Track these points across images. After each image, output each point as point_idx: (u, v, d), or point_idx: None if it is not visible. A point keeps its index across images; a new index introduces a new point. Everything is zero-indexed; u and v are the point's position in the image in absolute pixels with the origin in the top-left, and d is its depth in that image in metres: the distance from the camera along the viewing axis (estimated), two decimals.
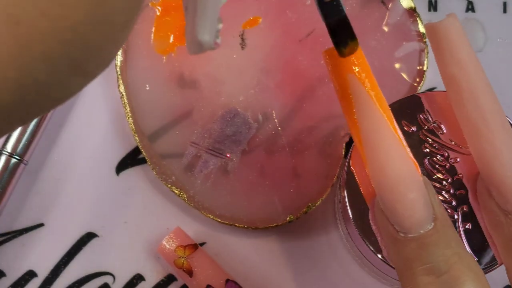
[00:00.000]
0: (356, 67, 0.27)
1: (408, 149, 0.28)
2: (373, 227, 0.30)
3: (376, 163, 0.27)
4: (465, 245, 0.31)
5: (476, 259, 0.30)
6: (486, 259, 0.31)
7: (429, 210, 0.27)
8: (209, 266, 0.37)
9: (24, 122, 0.18)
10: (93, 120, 0.40)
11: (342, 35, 0.26)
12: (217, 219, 0.37)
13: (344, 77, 0.28)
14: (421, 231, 0.27)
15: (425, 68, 0.39)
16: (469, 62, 0.28)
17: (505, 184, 0.28)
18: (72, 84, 0.17)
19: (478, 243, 0.31)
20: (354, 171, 0.31)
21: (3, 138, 0.38)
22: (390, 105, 0.29)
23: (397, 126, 0.28)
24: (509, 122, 0.30)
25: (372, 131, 0.27)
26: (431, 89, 0.40)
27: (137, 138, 0.38)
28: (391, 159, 0.27)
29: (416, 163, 0.28)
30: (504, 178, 0.28)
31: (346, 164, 0.32)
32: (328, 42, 0.39)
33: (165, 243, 0.37)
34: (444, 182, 0.31)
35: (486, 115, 0.28)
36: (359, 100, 0.27)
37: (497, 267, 0.31)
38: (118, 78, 0.38)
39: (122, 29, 0.17)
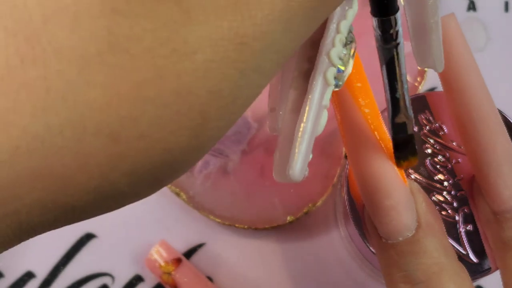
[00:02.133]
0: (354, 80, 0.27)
1: (386, 155, 0.27)
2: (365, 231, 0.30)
3: (356, 169, 0.27)
4: (467, 246, 0.30)
5: (477, 262, 0.30)
6: (488, 260, 0.31)
7: (411, 217, 0.27)
8: (193, 280, 0.37)
9: (82, 219, 0.18)
10: None
11: (404, 150, 0.27)
12: (217, 219, 0.37)
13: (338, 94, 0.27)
14: (400, 238, 0.27)
15: (425, 68, 0.38)
16: (460, 62, 0.28)
17: (489, 184, 0.28)
18: (143, 195, 0.18)
19: (480, 245, 0.30)
20: (349, 177, 0.31)
21: None
22: None
23: (386, 131, 0.27)
24: (509, 120, 0.30)
25: (355, 140, 0.27)
26: (432, 89, 0.40)
27: None
28: (369, 165, 0.27)
29: (399, 170, 0.27)
30: (489, 177, 0.28)
31: (346, 164, 0.32)
32: None
33: (150, 258, 0.37)
34: (445, 183, 0.31)
35: (472, 114, 0.28)
36: (344, 103, 0.27)
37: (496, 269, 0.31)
38: None
39: (204, 154, 0.18)
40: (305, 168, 0.20)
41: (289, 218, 0.37)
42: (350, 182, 0.31)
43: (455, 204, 0.31)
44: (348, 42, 0.21)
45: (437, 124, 0.32)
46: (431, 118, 0.32)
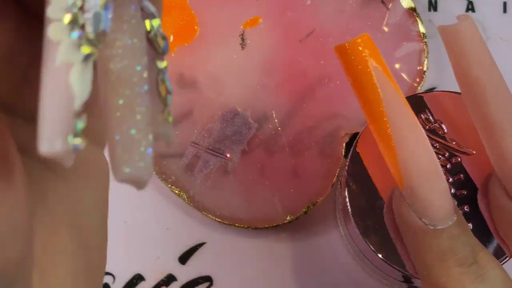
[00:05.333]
0: (375, 61, 0.27)
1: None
2: (387, 222, 0.30)
3: (408, 153, 0.27)
4: None
5: None
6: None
7: (453, 201, 0.28)
8: None
9: None
10: None
11: None
12: (217, 219, 0.37)
13: (367, 69, 0.27)
14: (450, 222, 0.27)
15: (425, 68, 0.39)
16: (490, 64, 0.28)
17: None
18: None
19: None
20: (368, 170, 0.31)
21: None
22: None
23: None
24: None
25: (403, 121, 0.27)
26: (431, 89, 0.40)
27: None
28: (423, 149, 0.27)
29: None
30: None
31: (347, 163, 0.32)
32: (328, 42, 0.39)
33: None
34: None
35: (494, 116, 0.28)
36: (386, 92, 0.27)
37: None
38: None
39: None
40: (142, 163, 0.17)
41: (288, 218, 0.37)
42: (373, 175, 0.31)
43: (455, 203, 0.31)
44: None
45: (436, 124, 0.32)
46: (430, 118, 0.32)
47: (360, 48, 0.27)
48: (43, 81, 0.16)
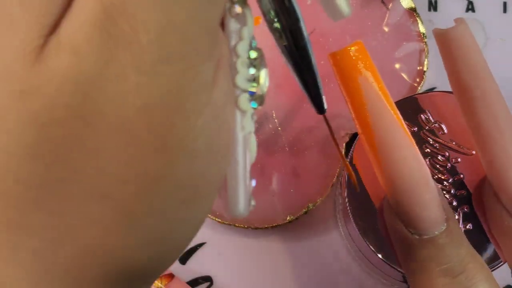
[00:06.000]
0: (366, 70, 0.27)
1: (418, 151, 0.28)
2: (380, 227, 0.30)
3: (392, 165, 0.27)
4: None
5: None
6: (485, 260, 0.31)
7: (442, 211, 0.27)
8: None
9: None
10: None
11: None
12: (217, 219, 0.37)
13: (355, 79, 0.27)
14: (436, 232, 0.27)
15: (425, 69, 0.39)
16: (481, 70, 0.28)
17: (505, 186, 0.28)
18: None
19: (479, 244, 0.31)
20: (361, 175, 0.31)
21: None
22: None
23: (406, 128, 0.28)
24: None
25: (387, 132, 0.27)
26: (431, 89, 0.40)
27: None
28: (407, 160, 0.27)
29: (426, 165, 0.28)
30: (504, 179, 0.28)
31: (347, 163, 0.32)
32: (328, 42, 0.39)
33: None
34: (445, 183, 0.31)
35: (499, 122, 0.28)
36: (372, 102, 0.27)
37: (496, 268, 0.31)
38: None
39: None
40: (249, 203, 0.20)
41: (288, 218, 0.37)
42: (366, 184, 0.31)
43: (454, 203, 0.31)
44: (255, 60, 0.20)
45: (436, 124, 0.32)
46: (430, 118, 0.32)
47: (351, 57, 0.27)
48: (237, 158, 0.19)
